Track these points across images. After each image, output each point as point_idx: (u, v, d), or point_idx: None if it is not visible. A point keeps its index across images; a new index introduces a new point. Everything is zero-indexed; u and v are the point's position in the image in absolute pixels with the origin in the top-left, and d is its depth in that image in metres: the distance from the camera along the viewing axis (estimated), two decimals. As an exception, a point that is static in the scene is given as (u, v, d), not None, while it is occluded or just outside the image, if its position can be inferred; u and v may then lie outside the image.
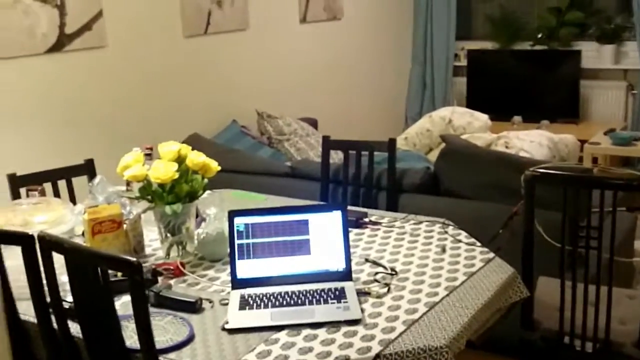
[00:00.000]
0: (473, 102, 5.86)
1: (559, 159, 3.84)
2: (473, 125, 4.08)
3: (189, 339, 1.61)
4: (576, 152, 4.07)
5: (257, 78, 4.42)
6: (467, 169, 2.85)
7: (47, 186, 2.65)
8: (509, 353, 2.42)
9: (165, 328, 1.66)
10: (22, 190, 2.57)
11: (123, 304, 1.78)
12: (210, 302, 1.80)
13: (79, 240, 2.20)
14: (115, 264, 1.43)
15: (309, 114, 4.69)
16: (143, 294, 1.42)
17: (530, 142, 3.79)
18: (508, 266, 1.97)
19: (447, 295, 1.80)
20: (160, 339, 1.60)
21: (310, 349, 1.55)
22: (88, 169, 2.77)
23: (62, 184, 2.72)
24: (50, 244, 1.54)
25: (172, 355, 1.55)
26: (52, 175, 2.67)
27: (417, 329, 1.63)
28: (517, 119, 5.61)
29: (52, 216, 2.23)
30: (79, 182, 2.78)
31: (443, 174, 2.92)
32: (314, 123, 4.52)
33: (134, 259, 1.40)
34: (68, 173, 2.72)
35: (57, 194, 2.69)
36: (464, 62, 6.04)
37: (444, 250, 2.09)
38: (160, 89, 3.74)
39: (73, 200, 2.71)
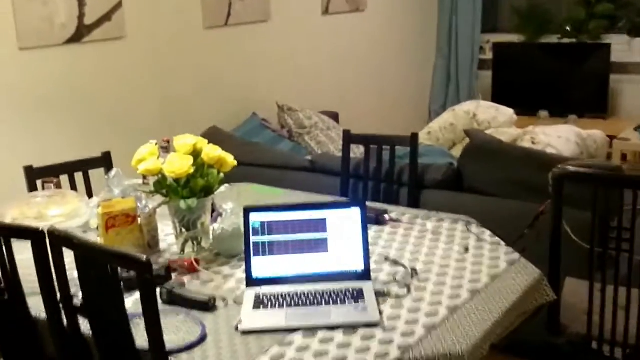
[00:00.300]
0: (498, 96, 5.74)
1: (587, 156, 3.73)
2: (498, 120, 3.98)
3: (201, 339, 1.55)
4: (605, 148, 3.96)
5: (278, 70, 4.37)
6: (492, 165, 2.77)
7: (64, 179, 2.62)
8: (533, 356, 2.34)
9: (177, 327, 1.61)
10: (39, 183, 2.55)
11: (135, 301, 1.73)
12: (224, 300, 1.75)
13: (93, 234, 2.16)
14: (125, 262, 1.38)
15: (330, 107, 4.63)
16: (153, 293, 1.37)
17: (557, 137, 3.68)
18: (534, 268, 1.89)
19: (470, 297, 1.73)
20: (172, 339, 1.55)
21: (326, 353, 1.49)
22: (105, 161, 2.74)
23: (79, 176, 2.69)
24: (60, 239, 1.50)
25: (183, 356, 1.50)
26: (68, 168, 2.64)
27: (437, 333, 1.56)
28: (543, 113, 5.49)
29: (67, 209, 2.20)
30: (96, 174, 2.75)
31: (467, 170, 2.84)
32: (335, 116, 4.45)
33: (144, 257, 1.35)
34: (85, 165, 2.69)
35: (74, 186, 2.66)
36: (489, 55, 5.92)
37: (467, 250, 2.02)
38: (180, 81, 3.70)
39: (90, 193, 2.68)
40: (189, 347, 1.52)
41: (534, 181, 2.60)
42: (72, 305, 1.57)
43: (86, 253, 1.45)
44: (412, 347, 1.50)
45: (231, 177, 2.59)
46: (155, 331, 1.40)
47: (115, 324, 1.47)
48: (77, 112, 3.20)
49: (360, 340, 1.53)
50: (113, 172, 2.38)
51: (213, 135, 3.53)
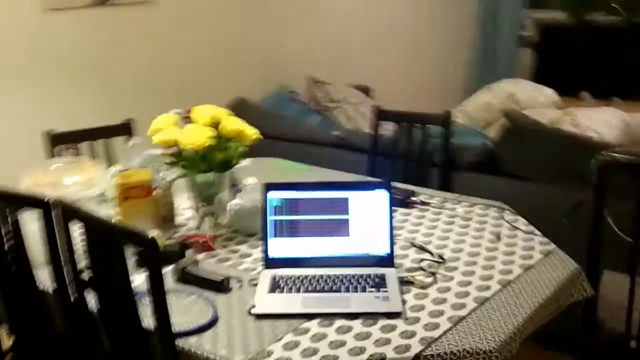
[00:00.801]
0: (539, 75, 5.53)
1: (630, 141, 3.54)
2: (538, 100, 3.80)
3: (212, 322, 1.47)
4: (650, 134, 3.76)
5: (309, 41, 4.23)
6: (530, 147, 2.63)
7: (85, 146, 2.55)
8: (565, 351, 2.22)
9: (188, 308, 1.53)
10: (57, 149, 2.48)
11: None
12: (239, 281, 1.66)
13: (109, 205, 2.09)
14: (131, 238, 1.30)
15: (362, 81, 4.49)
16: (159, 273, 1.28)
17: (600, 121, 3.50)
18: (571, 261, 1.76)
19: (500, 290, 1.61)
20: (181, 321, 1.47)
21: (343, 343, 1.39)
22: (127, 129, 2.66)
23: (100, 144, 2.62)
24: (66, 211, 1.42)
25: (191, 339, 1.42)
26: (89, 135, 2.57)
27: (464, 327, 1.45)
28: (585, 95, 5.27)
29: (83, 178, 2.13)
30: (119, 143, 2.67)
31: (503, 152, 2.70)
32: (366, 91, 4.32)
33: (150, 235, 1.26)
34: (106, 133, 2.61)
35: (94, 154, 2.59)
36: (531, 33, 5.69)
37: (498, 237, 1.90)
38: (208, 49, 3.60)
39: (110, 161, 2.61)
40: (199, 330, 1.44)
41: (574, 167, 2.46)
42: (80, 280, 1.49)
43: (91, 227, 1.36)
44: (436, 342, 1.40)
45: (255, 151, 2.49)
46: (161, 313, 1.32)
47: (121, 302, 1.39)
48: (101, 78, 3.13)
49: (380, 331, 1.43)
50: (133, 141, 2.31)
51: (239, 106, 3.44)
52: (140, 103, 3.28)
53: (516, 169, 2.62)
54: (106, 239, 1.35)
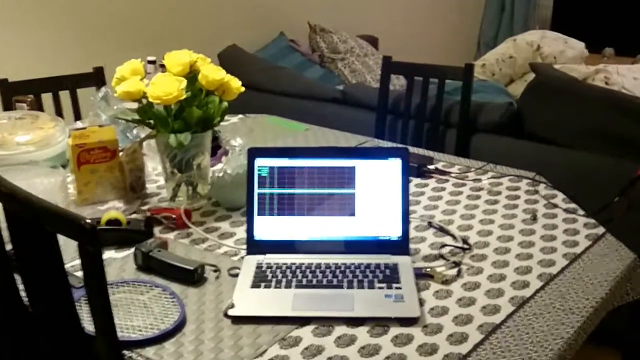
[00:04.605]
0: (559, 28, 5.11)
1: (667, 102, 3.18)
2: (566, 55, 3.43)
3: (177, 327, 1.15)
4: (686, 94, 3.40)
5: (313, -15, 3.84)
6: (562, 107, 2.27)
7: (47, 98, 2.21)
8: (608, 343, 1.91)
9: (148, 307, 1.21)
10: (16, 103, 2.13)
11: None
12: (216, 270, 1.34)
13: (66, 171, 1.76)
14: (62, 224, 0.96)
15: (368, 31, 4.10)
16: (99, 270, 0.95)
17: (633, 79, 3.14)
18: (625, 248, 1.44)
19: (542, 287, 1.29)
20: (136, 324, 1.15)
21: (344, 361, 1.07)
22: (98, 78, 2.31)
23: (65, 96, 2.27)
24: (-15, 183, 1.08)
25: (149, 350, 1.10)
26: (52, 84, 2.22)
27: (499, 340, 1.13)
28: (608, 51, 4.89)
29: (37, 135, 1.79)
30: (88, 94, 2.32)
31: (530, 112, 2.35)
32: (373, 42, 3.94)
33: (87, 221, 0.92)
34: (72, 82, 2.26)
35: (58, 108, 2.25)
36: (551, -18, 5.27)
37: (534, 218, 1.57)
38: (198, -9, 3.21)
39: (78, 116, 2.27)
40: (159, 338, 1.12)
41: (616, 131, 2.11)
42: (8, 267, 1.17)
43: (12, 205, 1.03)
44: (464, 360, 1.08)
45: (248, 105, 2.15)
46: (103, 320, 0.99)
47: (55, 300, 1.07)
48: (71, 21, 2.75)
49: (393, 344, 1.11)
50: (101, 93, 1.97)
51: (232, 56, 3.08)
52: (118, 50, 2.91)
53: (547, 132, 2.28)
54: (32, 222, 1.02)
